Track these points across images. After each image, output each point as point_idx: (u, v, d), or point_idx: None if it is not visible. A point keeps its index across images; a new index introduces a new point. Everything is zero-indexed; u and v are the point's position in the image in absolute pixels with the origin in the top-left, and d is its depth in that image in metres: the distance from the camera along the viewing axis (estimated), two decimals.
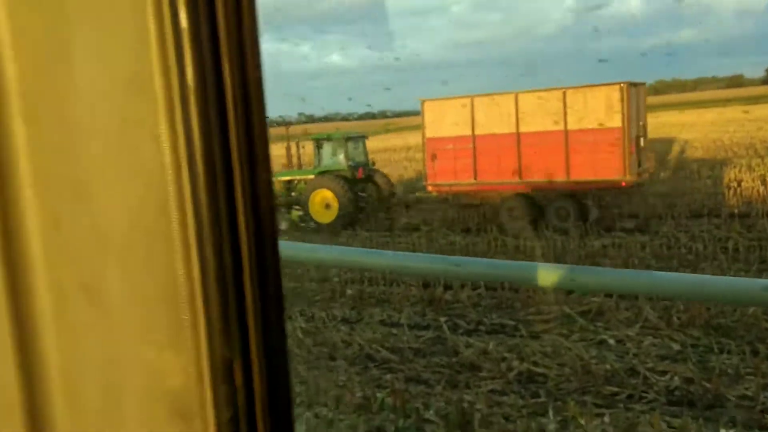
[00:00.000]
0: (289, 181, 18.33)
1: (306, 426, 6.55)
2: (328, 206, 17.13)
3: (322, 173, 17.70)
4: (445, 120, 16.48)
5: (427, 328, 9.38)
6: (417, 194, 18.79)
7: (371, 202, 17.91)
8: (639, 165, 15.51)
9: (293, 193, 18.09)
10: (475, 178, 16.28)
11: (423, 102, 16.84)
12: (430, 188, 17.10)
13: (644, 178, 16.49)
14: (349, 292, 10.94)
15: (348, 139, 18.07)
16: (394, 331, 9.20)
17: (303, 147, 19.42)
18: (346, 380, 7.57)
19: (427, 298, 10.41)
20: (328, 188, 17.09)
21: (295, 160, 18.98)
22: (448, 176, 16.49)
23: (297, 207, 17.77)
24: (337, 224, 16.84)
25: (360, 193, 17.59)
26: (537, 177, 15.49)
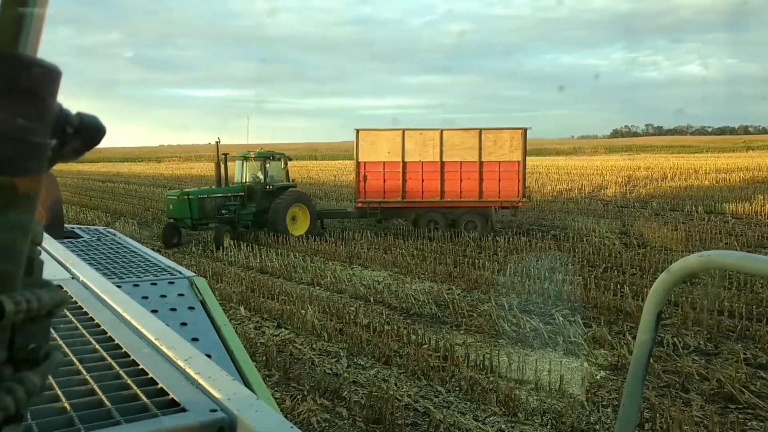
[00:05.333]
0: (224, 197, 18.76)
1: None
2: (294, 219, 18.98)
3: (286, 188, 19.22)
4: (378, 147, 18.82)
5: None
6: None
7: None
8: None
9: (224, 211, 18.34)
10: (402, 198, 18.94)
11: (357, 131, 18.76)
12: (359, 204, 19.22)
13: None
14: (709, 321, 9.87)
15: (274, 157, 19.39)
16: (762, 373, 8.03)
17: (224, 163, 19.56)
18: (702, 417, 6.83)
19: None
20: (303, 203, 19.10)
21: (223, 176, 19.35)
22: (378, 195, 18.95)
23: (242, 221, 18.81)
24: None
25: None
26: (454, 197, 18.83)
